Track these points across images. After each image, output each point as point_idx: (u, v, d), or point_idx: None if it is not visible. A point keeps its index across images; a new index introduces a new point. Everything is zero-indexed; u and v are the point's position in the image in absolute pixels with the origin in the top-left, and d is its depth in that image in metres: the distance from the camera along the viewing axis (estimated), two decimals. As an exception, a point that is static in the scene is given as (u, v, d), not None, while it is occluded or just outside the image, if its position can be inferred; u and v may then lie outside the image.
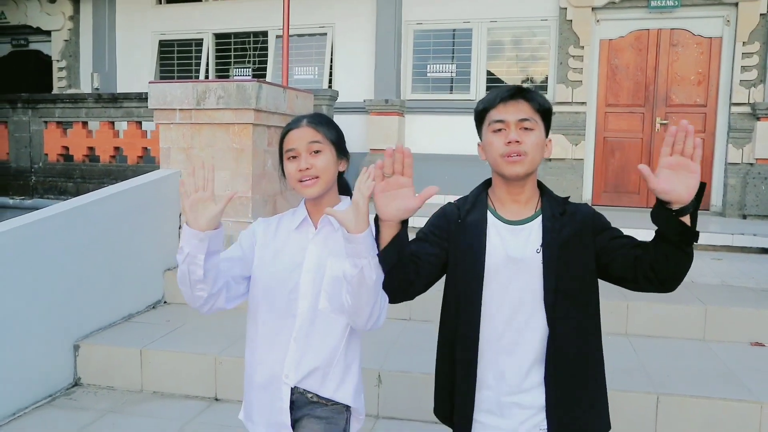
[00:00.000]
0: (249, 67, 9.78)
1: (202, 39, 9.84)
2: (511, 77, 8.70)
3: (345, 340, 1.96)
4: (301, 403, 1.96)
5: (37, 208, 7.18)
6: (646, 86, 8.17)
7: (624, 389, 3.32)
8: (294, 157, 1.92)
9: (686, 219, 1.59)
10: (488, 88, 8.66)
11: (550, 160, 8.24)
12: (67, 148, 8.13)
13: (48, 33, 10.46)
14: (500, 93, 1.80)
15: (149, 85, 5.08)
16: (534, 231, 1.79)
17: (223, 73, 9.94)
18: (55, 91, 10.30)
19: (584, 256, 1.78)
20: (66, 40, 10.34)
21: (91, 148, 7.98)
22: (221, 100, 4.78)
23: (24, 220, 3.69)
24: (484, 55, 8.73)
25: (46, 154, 8.24)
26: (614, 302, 4.23)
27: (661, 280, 1.71)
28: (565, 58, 8.19)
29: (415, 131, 8.87)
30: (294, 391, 1.95)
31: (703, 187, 1.57)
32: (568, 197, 1.87)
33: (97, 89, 10.01)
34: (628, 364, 3.70)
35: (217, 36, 9.81)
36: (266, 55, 9.60)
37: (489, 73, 8.75)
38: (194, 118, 4.89)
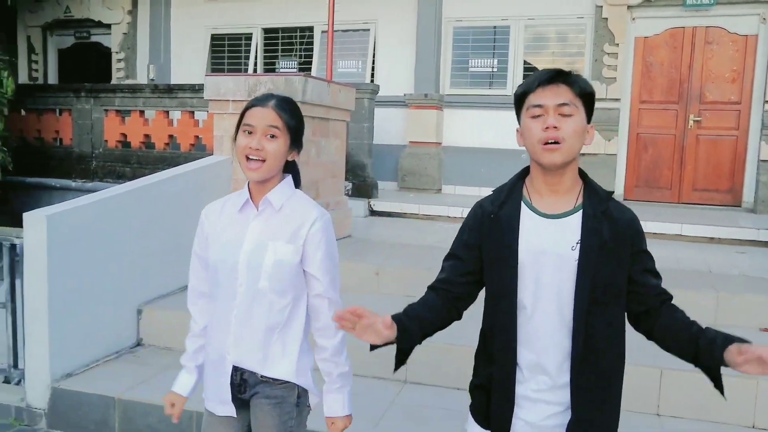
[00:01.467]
0: (295, 61, 10.23)
1: (252, 33, 10.33)
2: (547, 73, 8.95)
3: (284, 320, 1.99)
4: (252, 382, 2.00)
5: (97, 191, 7.79)
6: (681, 83, 8.33)
7: (632, 364, 3.63)
8: (250, 133, 1.94)
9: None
10: (524, 84, 8.94)
11: (583, 155, 8.46)
12: (125, 135, 8.68)
13: (108, 26, 11.09)
14: (540, 76, 1.73)
15: (205, 77, 5.54)
16: (572, 226, 1.72)
17: (270, 66, 10.41)
18: (113, 81, 10.93)
19: (620, 264, 1.71)
20: (125, 33, 10.96)
21: (147, 136, 8.51)
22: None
23: (95, 197, 4.17)
24: (521, 51, 8.99)
25: (106, 141, 8.81)
26: (630, 287, 4.53)
27: (648, 337, 1.82)
28: (600, 55, 8.40)
29: (453, 125, 9.19)
30: (244, 370, 2.00)
31: None
32: (612, 192, 1.81)
33: (152, 80, 10.60)
34: (639, 342, 4.00)
35: (266, 31, 10.29)
36: (312, 49, 10.04)
37: (526, 69, 9.00)
38: (245, 109, 5.33)
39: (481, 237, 1.79)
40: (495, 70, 9.18)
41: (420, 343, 1.78)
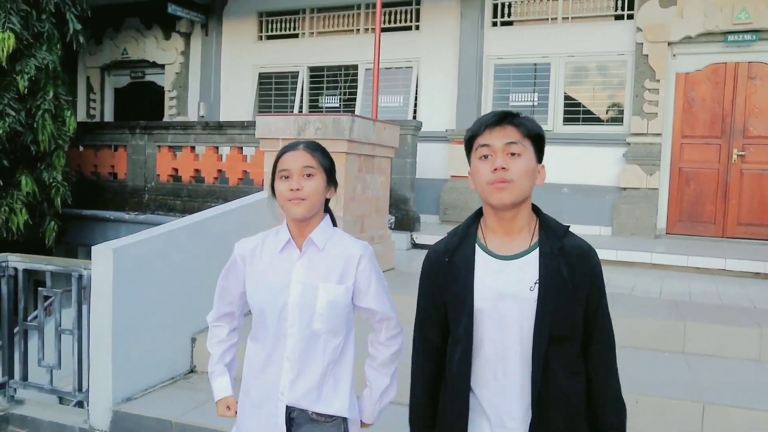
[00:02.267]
0: (340, 97, 10.53)
1: (298, 72, 10.70)
2: (587, 109, 9.04)
3: (336, 358, 2.06)
4: (301, 421, 2.05)
5: (149, 223, 8.15)
6: (723, 118, 8.33)
7: (673, 397, 3.67)
8: (287, 177, 2.00)
9: None
10: (565, 120, 9.05)
11: (624, 189, 8.51)
12: (176, 170, 9.07)
13: (162, 66, 11.63)
14: (487, 119, 1.74)
15: (257, 117, 5.82)
16: (529, 266, 1.70)
17: (314, 103, 10.75)
18: (166, 118, 11.41)
19: (579, 300, 1.69)
20: (177, 73, 11.47)
21: (197, 170, 8.88)
22: (319, 131, 5.44)
23: (157, 231, 4.42)
24: (562, 88, 9.12)
25: (158, 175, 9.21)
26: (671, 321, 4.56)
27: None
28: (641, 91, 8.47)
29: (493, 159, 9.33)
30: (294, 408, 2.04)
31: None
32: (568, 227, 1.78)
33: (202, 117, 11.05)
34: (682, 378, 4.03)
35: (311, 69, 10.65)
36: (356, 87, 10.35)
37: (566, 104, 9.12)
38: (295, 146, 5.58)
39: (440, 287, 1.77)
40: (536, 105, 9.32)
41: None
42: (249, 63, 11.02)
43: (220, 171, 8.68)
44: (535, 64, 9.30)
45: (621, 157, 8.60)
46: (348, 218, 5.53)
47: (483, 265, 1.72)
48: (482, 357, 1.73)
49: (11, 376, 4.30)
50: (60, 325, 4.15)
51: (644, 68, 8.47)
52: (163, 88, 11.73)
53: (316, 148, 2.06)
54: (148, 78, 12.09)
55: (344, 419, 2.09)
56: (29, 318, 4.42)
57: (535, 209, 1.78)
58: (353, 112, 10.12)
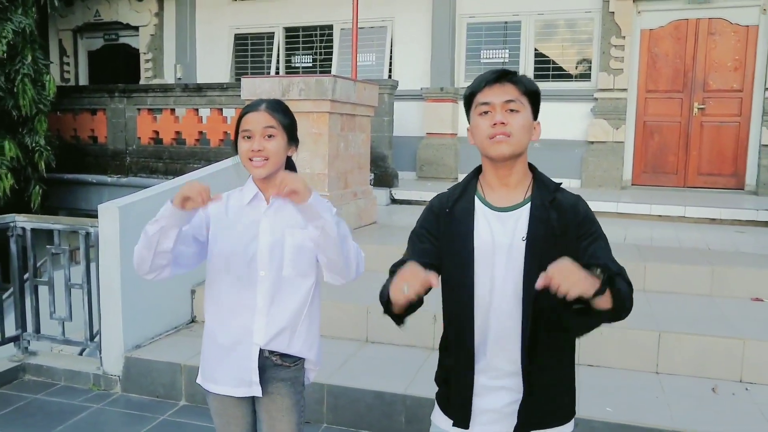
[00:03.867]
0: (315, 58, 10.69)
1: (274, 32, 10.82)
2: (557, 66, 9.37)
3: (309, 301, 2.15)
4: (266, 367, 2.13)
5: (132, 186, 8.34)
6: (685, 73, 8.73)
7: (634, 328, 4.11)
8: (249, 137, 2.07)
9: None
10: (536, 77, 9.37)
11: (592, 143, 8.92)
12: (157, 132, 9.20)
13: (136, 28, 11.62)
14: (487, 76, 1.79)
15: (243, 79, 6.03)
16: (522, 218, 1.79)
17: (290, 64, 10.89)
18: (142, 81, 11.45)
19: (568, 248, 1.73)
20: (152, 35, 11.48)
21: (178, 132, 9.03)
22: (302, 92, 5.69)
23: (157, 189, 4.67)
24: (532, 45, 9.42)
25: (139, 138, 9.33)
26: (633, 263, 4.99)
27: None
28: (608, 48, 8.81)
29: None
30: (260, 355, 2.12)
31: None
32: (560, 183, 1.87)
33: (179, 79, 11.12)
34: (642, 311, 4.47)
35: (287, 30, 10.77)
36: (331, 47, 10.51)
37: (536, 62, 9.43)
38: (280, 107, 5.82)
39: (438, 230, 1.85)
40: (506, 62, 9.61)
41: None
42: (225, 24, 11.07)
43: (201, 133, 8.83)
44: (506, 22, 9.56)
45: (589, 112, 8.98)
46: (333, 175, 5.83)
47: (481, 215, 1.81)
48: (477, 303, 1.81)
49: (24, 329, 4.58)
50: (69, 280, 4.43)
51: (610, 25, 8.79)
52: (138, 50, 11.74)
53: (277, 108, 2.11)
54: (122, 40, 12.07)
55: (302, 364, 2.21)
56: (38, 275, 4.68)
57: (531, 167, 1.88)
58: (329, 72, 10.30)
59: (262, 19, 10.81)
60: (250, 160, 2.06)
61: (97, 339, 4.41)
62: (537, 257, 1.73)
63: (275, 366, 2.15)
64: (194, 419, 3.85)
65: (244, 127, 2.09)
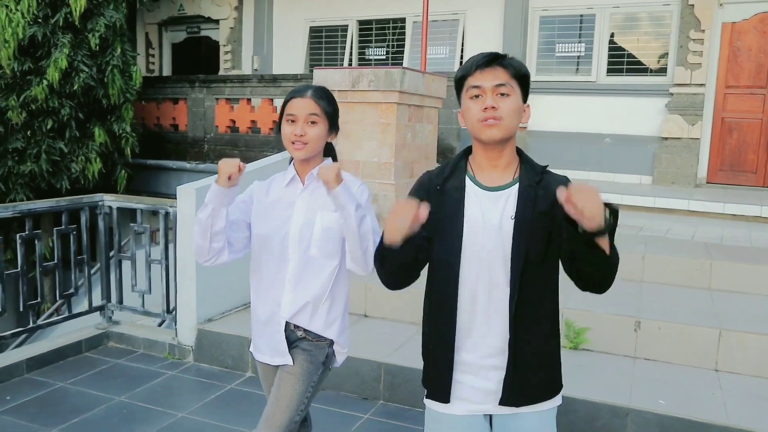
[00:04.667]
0: (386, 49, 10.85)
1: (347, 25, 11.04)
2: (632, 60, 9.18)
3: (332, 283, 2.26)
4: (292, 338, 2.29)
5: (209, 172, 8.74)
6: (769, 68, 8.39)
7: (694, 324, 4.08)
8: (293, 122, 2.17)
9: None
10: (609, 71, 9.22)
11: (666, 139, 8.71)
12: (233, 121, 9.60)
13: (216, 21, 12.10)
14: (477, 60, 1.81)
15: (315, 70, 6.25)
16: (511, 198, 1.82)
17: (363, 56, 11.09)
18: (221, 72, 11.92)
19: (554, 224, 1.77)
20: (231, 28, 11.92)
21: (253, 121, 9.39)
22: (372, 84, 5.85)
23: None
24: (606, 39, 9.26)
25: (217, 126, 9.75)
26: (699, 260, 4.92)
27: (574, 276, 1.78)
28: (686, 42, 8.57)
29: (537, 110, 9.58)
30: (287, 327, 2.26)
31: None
32: (547, 166, 1.91)
33: (256, 70, 11.52)
34: (705, 309, 4.41)
35: (361, 22, 10.97)
36: (404, 39, 10.65)
37: (610, 55, 9.27)
38: (349, 98, 6.01)
39: (428, 203, 1.80)
40: (580, 56, 9.48)
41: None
42: (300, 17, 11.38)
43: (274, 122, 9.14)
44: (581, 15, 9.43)
45: (663, 108, 8.77)
46: (399, 164, 5.98)
47: (472, 194, 1.85)
48: (464, 280, 1.84)
49: (109, 299, 4.96)
50: (150, 256, 4.76)
51: (689, 18, 8.54)
52: (217, 42, 12.21)
53: (322, 96, 2.21)
54: (203, 33, 12.58)
55: (332, 343, 2.33)
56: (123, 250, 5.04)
57: (518, 151, 1.91)
58: (401, 64, 10.44)
59: (336, 12, 11.05)
60: (292, 143, 2.18)
61: (173, 312, 4.73)
62: (525, 234, 1.78)
63: (299, 339, 2.29)
64: (259, 389, 4.06)
65: (290, 111, 2.19)
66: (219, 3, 11.93)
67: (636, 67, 9.18)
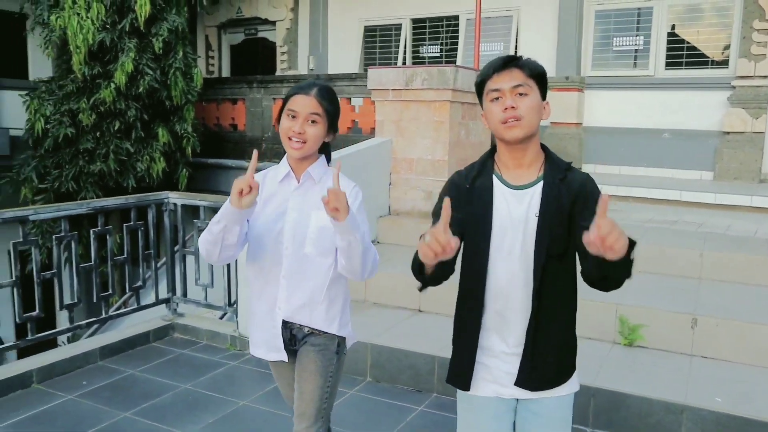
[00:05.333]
0: (440, 47, 10.89)
1: (401, 24, 11.14)
2: (691, 53, 8.97)
3: (329, 280, 2.25)
4: (300, 335, 2.30)
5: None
6: (838, 59, 8.07)
7: (753, 322, 4.01)
8: (293, 117, 2.15)
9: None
10: (667, 65, 9.03)
11: (727, 133, 8.48)
12: (290, 121, 9.81)
13: (273, 23, 12.37)
14: (493, 64, 1.91)
15: (369, 70, 6.37)
16: (536, 195, 1.92)
17: (417, 54, 11.17)
18: (277, 72, 12.19)
19: (573, 223, 1.87)
20: (287, 29, 12.17)
21: (309, 121, 9.58)
22: (425, 82, 5.93)
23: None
24: (664, 32, 9.07)
25: (274, 125, 9.96)
26: (761, 257, 4.81)
27: (587, 276, 1.88)
28: (749, 32, 8.32)
29: (593, 106, 9.47)
30: (293, 324, 2.28)
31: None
32: (571, 163, 1.99)
33: (312, 70, 11.74)
34: (765, 306, 4.33)
35: (414, 21, 11.05)
36: (457, 37, 10.67)
37: (668, 48, 9.07)
38: (403, 96, 6.11)
39: (459, 204, 1.91)
40: (637, 50, 9.31)
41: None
42: (355, 17, 11.53)
43: (329, 120, 9.30)
44: (638, 9, 9.26)
45: (725, 101, 8.53)
46: (453, 161, 6.04)
47: (499, 192, 1.95)
48: (492, 273, 1.95)
49: (174, 293, 5.20)
50: (212, 251, 4.96)
51: (753, 8, 8.28)
52: (274, 43, 12.48)
53: (325, 96, 2.19)
54: (260, 35, 12.89)
55: (338, 336, 2.34)
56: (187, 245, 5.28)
57: (543, 147, 2.00)
58: (455, 62, 10.47)
59: (390, 11, 11.16)
60: (289, 138, 2.16)
61: (234, 305, 4.92)
62: (548, 230, 1.88)
63: (308, 334, 2.30)
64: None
65: (291, 106, 2.17)
66: (276, 5, 12.20)
67: (696, 60, 8.96)
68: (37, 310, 4.26)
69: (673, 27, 9.08)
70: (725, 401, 3.46)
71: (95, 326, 5.95)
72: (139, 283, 5.10)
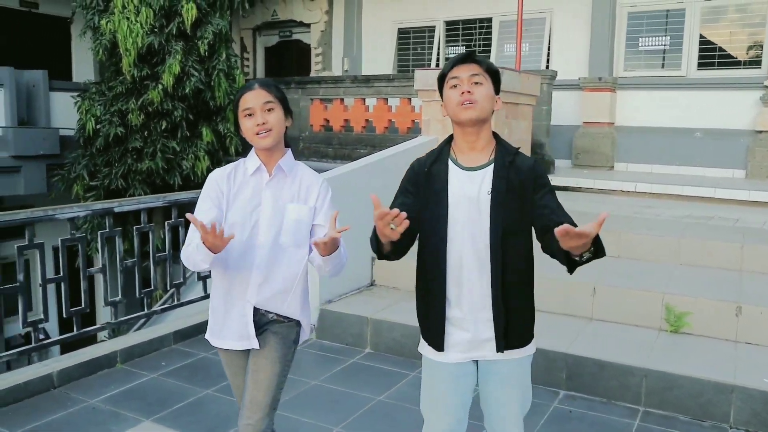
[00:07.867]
0: (473, 49, 11.13)
1: (435, 26, 11.40)
2: (723, 53, 9.14)
3: (303, 268, 2.35)
4: (262, 322, 2.35)
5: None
6: None
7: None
8: (250, 115, 2.25)
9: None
10: (700, 65, 9.21)
11: (760, 132, 8.65)
12: (327, 120, 10.08)
13: (308, 25, 12.70)
14: (454, 59, 2.18)
15: (416, 71, 6.63)
16: (487, 176, 2.14)
17: (449, 56, 11.41)
18: (312, 73, 12.50)
19: (525, 201, 2.13)
20: (322, 31, 12.49)
21: (346, 120, 9.84)
22: (471, 83, 6.18)
23: (346, 168, 5.39)
24: (697, 32, 9.26)
25: (311, 125, 10.27)
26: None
27: (546, 250, 2.14)
28: (781, 33, 8.49)
29: (626, 106, 9.67)
30: (257, 311, 2.33)
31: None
32: (519, 148, 2.24)
33: (346, 71, 12.03)
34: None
35: (447, 23, 11.31)
36: (490, 39, 10.91)
37: (701, 50, 9.25)
38: (449, 96, 6.35)
39: (418, 188, 2.20)
40: (668, 50, 9.50)
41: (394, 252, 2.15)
42: (388, 19, 11.82)
43: (367, 121, 9.55)
44: (668, 10, 9.45)
45: (757, 100, 8.69)
46: (496, 159, 6.28)
47: (454, 174, 2.18)
48: (451, 247, 2.17)
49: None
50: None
51: (785, 10, 8.46)
52: (309, 45, 12.80)
53: (270, 84, 2.31)
54: (295, 37, 13.21)
55: (298, 323, 2.43)
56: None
57: (495, 135, 2.25)
58: (487, 63, 10.69)
59: (423, 13, 11.43)
60: (256, 134, 2.25)
61: (295, 293, 5.20)
62: (500, 206, 2.12)
63: (271, 321, 2.36)
64: (378, 363, 4.52)
65: (245, 106, 2.26)
66: (310, 7, 12.51)
67: (727, 60, 9.13)
68: (83, 305, 4.52)
69: (704, 27, 9.26)
70: (772, 382, 3.68)
71: (141, 321, 6.14)
72: (181, 280, 5.39)
